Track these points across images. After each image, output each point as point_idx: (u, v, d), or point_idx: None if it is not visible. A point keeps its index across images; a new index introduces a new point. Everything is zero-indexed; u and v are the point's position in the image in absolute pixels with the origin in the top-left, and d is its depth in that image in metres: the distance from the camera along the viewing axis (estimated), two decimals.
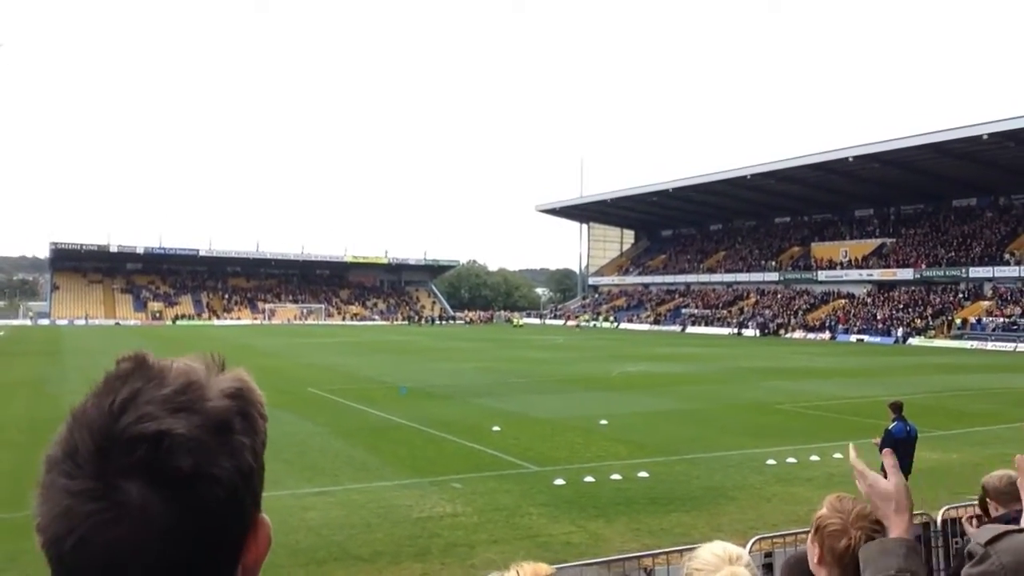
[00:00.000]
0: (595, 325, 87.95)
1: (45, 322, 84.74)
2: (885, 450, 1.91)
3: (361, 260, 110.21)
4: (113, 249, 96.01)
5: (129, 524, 0.74)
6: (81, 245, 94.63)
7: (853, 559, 2.26)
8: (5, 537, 10.06)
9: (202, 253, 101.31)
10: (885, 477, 1.92)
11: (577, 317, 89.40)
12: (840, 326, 68.42)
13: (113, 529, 0.74)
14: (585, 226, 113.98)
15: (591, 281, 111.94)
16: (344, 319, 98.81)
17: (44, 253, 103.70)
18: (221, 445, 0.80)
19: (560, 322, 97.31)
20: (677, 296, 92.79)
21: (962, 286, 66.57)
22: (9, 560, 9.17)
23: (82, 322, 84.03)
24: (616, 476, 13.48)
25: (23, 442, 16.68)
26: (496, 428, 18.26)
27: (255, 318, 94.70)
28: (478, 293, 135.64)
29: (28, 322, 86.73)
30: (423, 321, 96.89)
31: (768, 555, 8.13)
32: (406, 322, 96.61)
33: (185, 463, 0.76)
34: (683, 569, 2.40)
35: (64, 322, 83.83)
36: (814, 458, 15.12)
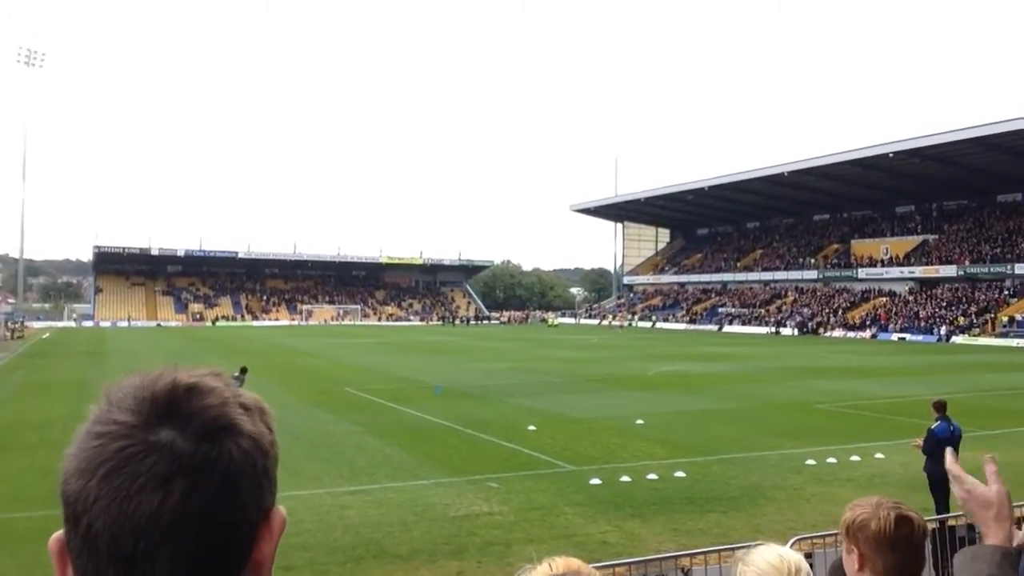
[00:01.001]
0: (631, 325, 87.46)
1: (89, 324, 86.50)
2: (986, 456, 1.87)
3: (396, 261, 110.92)
4: (154, 252, 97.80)
5: (156, 458, 0.79)
6: (123, 248, 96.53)
7: (891, 541, 2.21)
8: (45, 537, 10.29)
9: (241, 255, 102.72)
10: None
11: (620, 316, 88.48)
12: (881, 324, 67.33)
13: (141, 461, 0.78)
14: (620, 225, 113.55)
15: (626, 280, 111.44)
16: (380, 320, 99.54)
17: (87, 256, 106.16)
18: (246, 415, 0.86)
19: (595, 321, 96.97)
20: (713, 295, 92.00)
21: (1007, 283, 65.08)
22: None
23: (125, 324, 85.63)
24: (653, 476, 13.40)
25: (68, 442, 17.03)
26: (532, 427, 18.26)
27: (293, 319, 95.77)
28: (513, 293, 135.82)
29: (72, 324, 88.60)
30: (457, 321, 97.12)
31: (808, 556, 8.02)
32: (440, 322, 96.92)
33: (213, 408, 0.83)
34: (735, 573, 2.33)
35: (107, 324, 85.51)
36: (855, 458, 14.89)
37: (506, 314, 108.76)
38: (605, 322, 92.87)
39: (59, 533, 0.84)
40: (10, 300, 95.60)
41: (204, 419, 0.82)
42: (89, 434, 0.82)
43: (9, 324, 68.05)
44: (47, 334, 68.33)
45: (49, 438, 17.39)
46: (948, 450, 1.97)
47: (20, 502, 11.87)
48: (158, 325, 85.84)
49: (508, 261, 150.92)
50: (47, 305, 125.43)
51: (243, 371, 20.15)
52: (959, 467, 1.85)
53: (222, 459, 0.81)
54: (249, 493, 0.83)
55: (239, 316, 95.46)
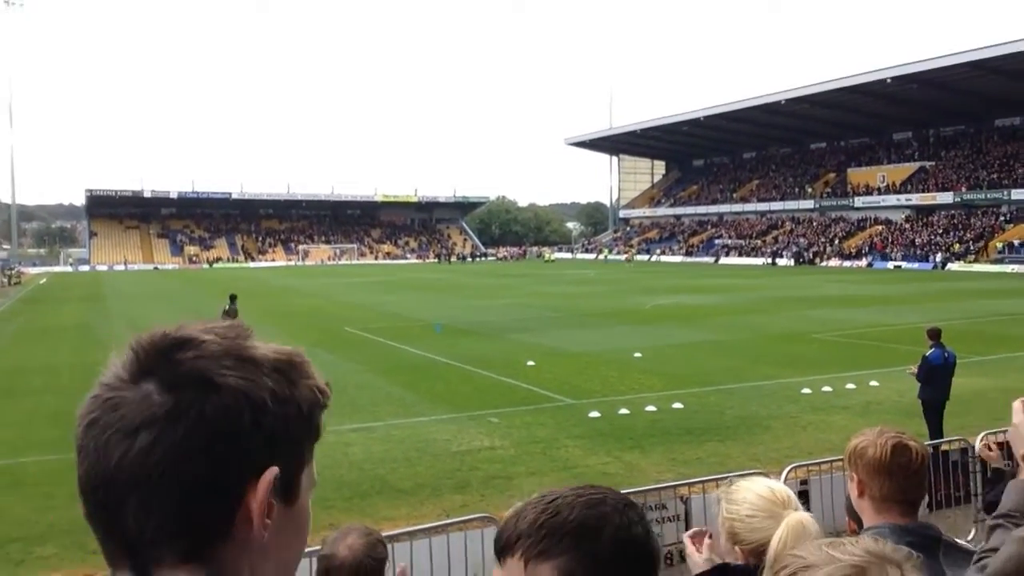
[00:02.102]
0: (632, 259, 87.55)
1: (85, 268, 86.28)
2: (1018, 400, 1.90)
3: (391, 199, 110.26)
4: (147, 194, 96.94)
5: (127, 409, 0.80)
6: (116, 191, 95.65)
7: (888, 468, 2.26)
8: (62, 477, 10.47)
9: (235, 196, 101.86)
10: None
11: (629, 251, 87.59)
12: (877, 253, 67.45)
13: (113, 412, 0.80)
14: (615, 158, 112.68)
15: (622, 214, 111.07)
16: (376, 258, 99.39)
17: (80, 200, 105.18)
18: (235, 366, 0.83)
19: (592, 256, 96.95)
20: (710, 227, 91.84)
21: (1003, 209, 64.99)
22: (69, 498, 9.52)
23: (121, 267, 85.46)
24: (651, 408, 13.60)
25: (74, 386, 17.18)
26: (531, 363, 18.44)
27: (289, 259, 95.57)
28: (509, 229, 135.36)
29: (69, 268, 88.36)
30: (453, 258, 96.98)
31: (804, 483, 8.21)
32: (436, 260, 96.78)
33: (188, 362, 0.82)
34: (720, 508, 2.28)
35: (104, 268, 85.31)
36: (850, 386, 15.10)
37: (503, 250, 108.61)
38: (602, 256, 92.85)
39: None
40: (4, 246, 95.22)
41: (180, 372, 0.81)
42: (97, 383, 0.85)
43: (5, 271, 67.94)
44: (44, 279, 68.29)
45: (54, 383, 17.53)
46: (1016, 402, 2.03)
47: (30, 446, 12.04)
48: (155, 268, 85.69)
49: (503, 197, 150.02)
50: (42, 250, 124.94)
51: (232, 299, 20.24)
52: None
53: (189, 413, 0.79)
54: (226, 449, 0.80)
55: (235, 257, 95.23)
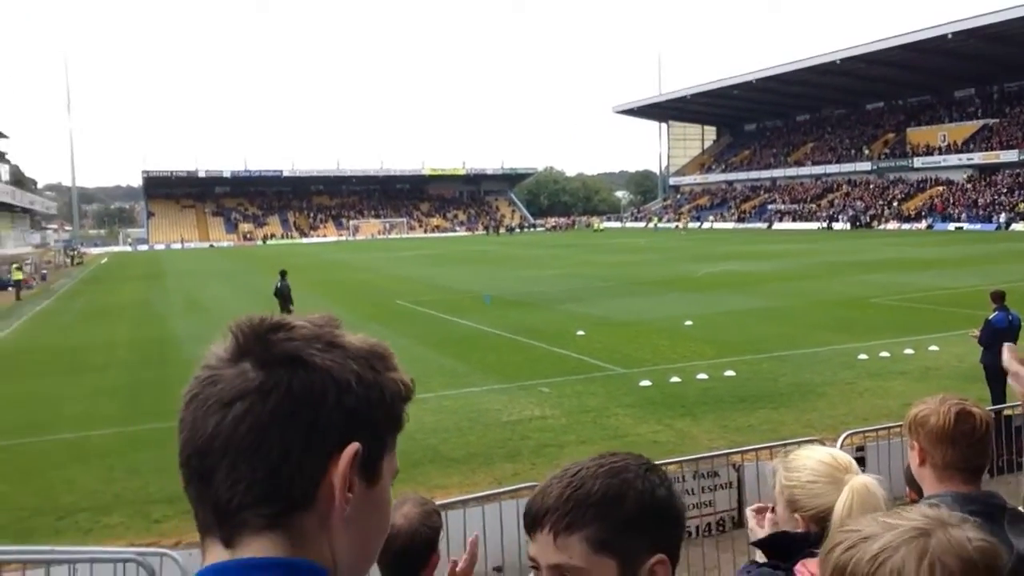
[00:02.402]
0: (684, 227, 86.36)
1: (144, 248, 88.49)
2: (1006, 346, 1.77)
3: (439, 172, 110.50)
4: (201, 174, 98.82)
5: (224, 384, 0.86)
6: (171, 172, 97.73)
7: (951, 436, 2.18)
8: (125, 449, 10.82)
9: (286, 173, 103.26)
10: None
11: (683, 217, 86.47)
12: (938, 215, 65.50)
13: (212, 387, 0.87)
14: (664, 125, 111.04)
15: (672, 181, 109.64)
16: (425, 231, 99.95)
17: (137, 182, 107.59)
18: (325, 349, 0.89)
19: (642, 224, 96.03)
20: (763, 192, 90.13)
21: None
22: (131, 470, 9.86)
23: (178, 246, 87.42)
24: (702, 376, 13.46)
25: (133, 361, 17.72)
26: (581, 332, 18.38)
27: (340, 234, 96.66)
28: (557, 199, 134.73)
29: (128, 248, 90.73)
30: (502, 230, 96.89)
31: (860, 449, 8.05)
32: (484, 232, 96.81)
33: (282, 342, 0.88)
34: (779, 477, 2.22)
35: (161, 247, 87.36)
36: (908, 351, 14.74)
37: (551, 221, 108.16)
38: (651, 224, 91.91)
39: None
40: (67, 228, 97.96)
41: (274, 351, 0.87)
42: (200, 363, 0.90)
43: (68, 251, 70.05)
44: (105, 259, 70.23)
45: (115, 359, 18.09)
46: (1006, 346, 1.90)
47: (95, 420, 12.45)
48: (211, 246, 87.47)
49: (551, 167, 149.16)
50: (102, 231, 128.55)
51: (283, 275, 20.64)
52: (1017, 363, 1.77)
53: (279, 387, 0.85)
54: (309, 423, 0.85)
55: (287, 234, 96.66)
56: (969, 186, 68.00)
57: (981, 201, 64.17)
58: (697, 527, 7.49)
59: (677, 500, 1.18)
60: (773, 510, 2.37)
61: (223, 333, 0.92)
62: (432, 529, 2.76)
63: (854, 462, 2.19)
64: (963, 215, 63.35)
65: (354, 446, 0.86)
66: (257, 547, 0.84)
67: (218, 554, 0.86)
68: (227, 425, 0.84)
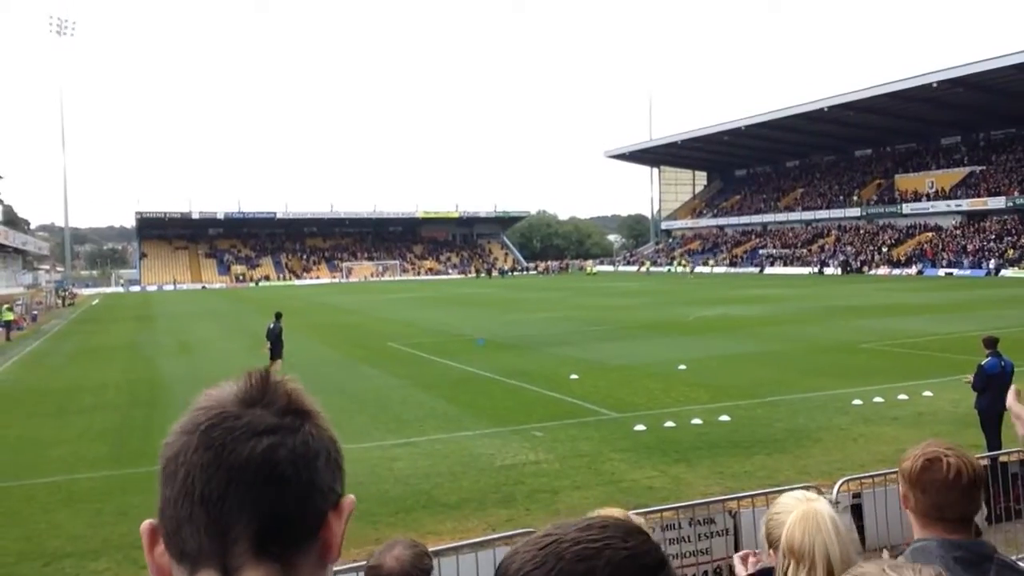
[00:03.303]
0: (688, 271, 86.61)
1: (136, 289, 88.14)
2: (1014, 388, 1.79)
3: (432, 215, 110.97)
4: (195, 216, 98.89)
5: (250, 418, 0.91)
6: (165, 213, 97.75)
7: (920, 483, 2.20)
8: (113, 492, 10.66)
9: (279, 215, 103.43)
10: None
11: (687, 264, 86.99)
12: (928, 260, 65.98)
13: (237, 420, 0.90)
14: (656, 170, 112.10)
15: (664, 225, 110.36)
16: (419, 274, 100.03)
17: (131, 223, 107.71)
18: (321, 415, 0.98)
19: (634, 268, 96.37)
20: (754, 237, 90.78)
21: None
22: (119, 514, 9.71)
23: (171, 287, 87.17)
24: (697, 421, 13.41)
25: (122, 403, 17.55)
26: (574, 376, 18.33)
27: (333, 276, 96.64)
28: (550, 243, 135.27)
29: (120, 289, 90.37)
30: (494, 273, 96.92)
31: (856, 496, 8.00)
32: (475, 275, 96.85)
33: (293, 395, 0.95)
34: (764, 518, 2.37)
35: (153, 288, 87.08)
36: (902, 397, 14.74)
37: (542, 264, 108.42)
38: (644, 268, 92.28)
39: (149, 520, 0.94)
40: (59, 268, 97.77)
41: (288, 401, 0.94)
42: (193, 409, 0.93)
43: (60, 292, 69.75)
44: (96, 300, 69.93)
45: (104, 401, 17.91)
46: (1012, 388, 1.92)
47: (82, 463, 12.29)
48: (203, 287, 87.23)
49: (544, 211, 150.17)
50: (94, 272, 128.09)
51: (278, 317, 20.62)
52: (1021, 405, 1.78)
53: (303, 430, 0.92)
54: (324, 469, 0.92)
55: (281, 276, 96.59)
56: (958, 232, 68.65)
57: (970, 247, 64.75)
58: (694, 575, 7.39)
59: None
60: (755, 554, 2.56)
61: (218, 387, 0.96)
62: (423, 571, 2.75)
63: (823, 500, 2.27)
64: (952, 261, 63.83)
65: (352, 498, 0.95)
66: None
67: None
68: (261, 452, 0.88)
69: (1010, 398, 1.85)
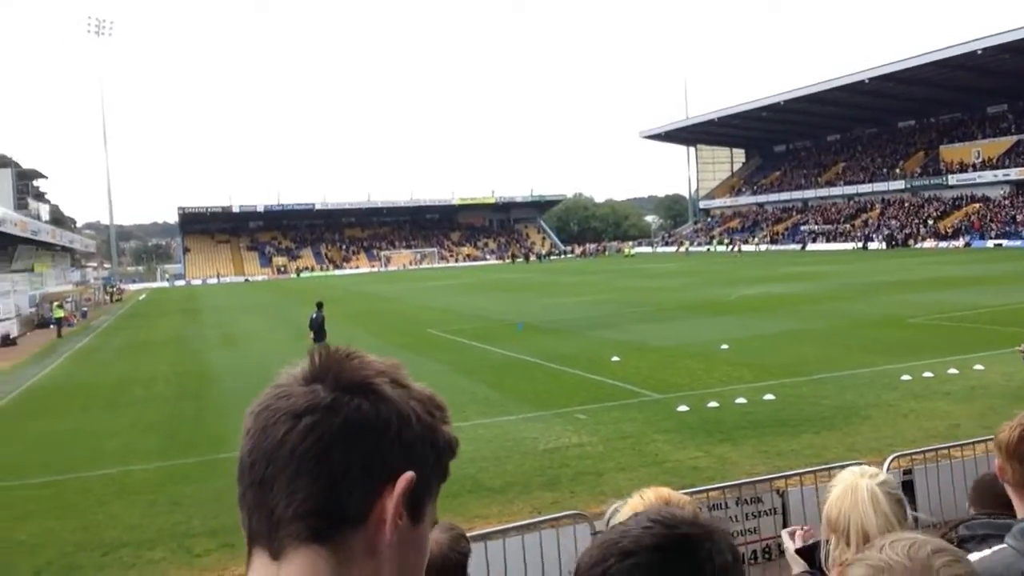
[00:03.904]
0: (737, 249, 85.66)
1: (181, 283, 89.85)
2: None
3: (469, 201, 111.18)
4: (236, 209, 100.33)
5: (295, 399, 0.91)
6: (206, 208, 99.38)
7: (1018, 453, 2.16)
8: (165, 483, 10.89)
9: (318, 206, 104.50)
10: None
11: (735, 242, 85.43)
12: (975, 232, 64.41)
13: (283, 401, 0.92)
14: (692, 149, 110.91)
15: (702, 204, 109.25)
16: (457, 260, 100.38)
17: (173, 218, 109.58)
18: (393, 385, 0.95)
19: (672, 249, 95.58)
20: (795, 213, 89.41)
21: None
22: (172, 504, 9.92)
23: (214, 280, 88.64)
24: (741, 400, 13.27)
25: (171, 395, 17.91)
26: (615, 358, 18.26)
27: (372, 265, 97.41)
28: (587, 225, 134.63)
29: (166, 284, 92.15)
30: (531, 257, 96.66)
31: (907, 472, 7.85)
32: (510, 260, 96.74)
33: (355, 371, 0.94)
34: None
35: (198, 282, 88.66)
36: (952, 371, 14.42)
37: (580, 247, 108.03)
38: (683, 248, 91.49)
39: None
40: (106, 265, 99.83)
41: (346, 377, 0.93)
42: (270, 386, 0.95)
43: (108, 288, 71.32)
44: (143, 295, 71.37)
45: (154, 393, 18.29)
46: None
47: (134, 454, 12.57)
48: (246, 280, 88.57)
49: (580, 194, 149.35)
50: (140, 267, 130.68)
51: (319, 306, 20.91)
52: None
53: (349, 408, 0.90)
54: (372, 446, 0.90)
55: (321, 266, 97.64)
56: (1007, 202, 66.88)
57: (1020, 217, 63.05)
58: (743, 555, 7.33)
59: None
60: (803, 527, 2.65)
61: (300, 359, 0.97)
62: (461, 554, 2.76)
63: (883, 473, 2.25)
64: (1001, 232, 62.22)
65: (410, 474, 0.90)
66: (303, 560, 0.87)
67: (264, 565, 0.89)
68: (296, 435, 0.88)
69: None
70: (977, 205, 69.29)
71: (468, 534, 3.03)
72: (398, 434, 0.91)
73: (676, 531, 1.04)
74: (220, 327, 33.53)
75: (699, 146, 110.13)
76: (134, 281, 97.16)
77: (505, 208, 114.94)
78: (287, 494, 0.88)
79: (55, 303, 40.73)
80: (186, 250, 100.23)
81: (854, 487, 2.12)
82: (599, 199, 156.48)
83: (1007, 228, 62.65)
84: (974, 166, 72.72)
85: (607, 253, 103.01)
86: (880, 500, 2.09)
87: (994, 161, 71.08)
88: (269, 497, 0.89)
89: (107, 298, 66.43)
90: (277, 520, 0.88)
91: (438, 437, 0.96)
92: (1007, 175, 68.62)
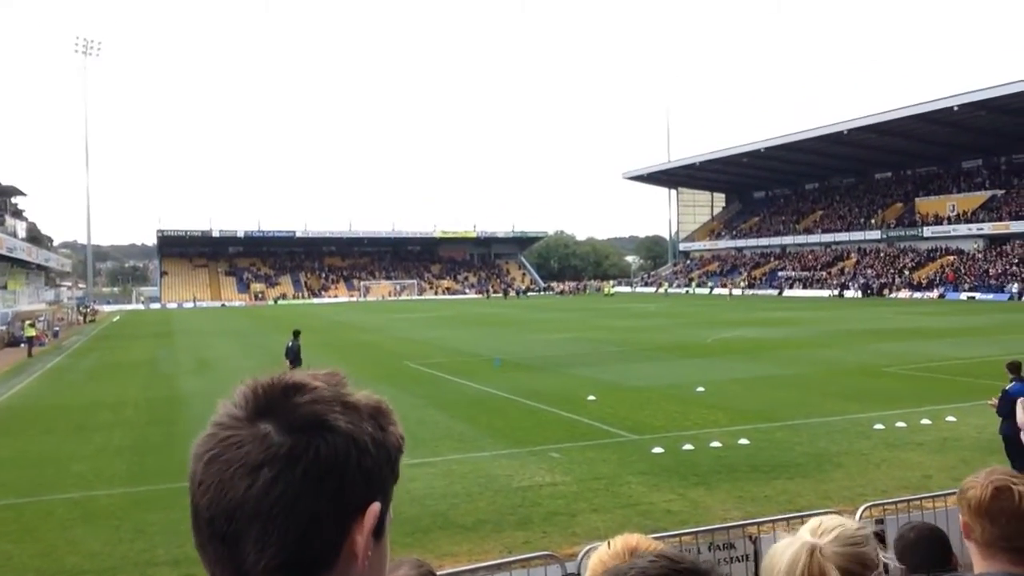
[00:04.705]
0: (719, 291, 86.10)
1: (156, 306, 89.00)
2: None
3: (451, 235, 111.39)
4: (215, 234, 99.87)
5: (249, 447, 0.87)
6: (186, 231, 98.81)
7: (988, 512, 2.14)
8: (130, 510, 10.68)
9: (299, 234, 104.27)
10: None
11: (730, 284, 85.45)
12: (949, 284, 65.34)
13: (236, 450, 0.88)
14: (674, 191, 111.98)
15: (682, 247, 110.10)
16: (436, 293, 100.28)
17: (152, 240, 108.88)
18: (343, 411, 0.92)
19: (652, 289, 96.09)
20: (772, 259, 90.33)
21: None
22: (137, 531, 9.71)
23: (190, 304, 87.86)
24: (716, 444, 13.28)
25: (141, 420, 17.63)
26: (592, 397, 18.23)
27: (351, 295, 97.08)
28: (567, 263, 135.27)
29: (141, 306, 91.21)
30: (510, 293, 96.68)
31: (879, 522, 7.86)
32: (485, 295, 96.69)
33: (305, 406, 0.90)
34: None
35: (173, 305, 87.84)
36: (925, 422, 14.53)
37: (560, 285, 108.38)
38: (662, 290, 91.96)
39: None
40: (81, 285, 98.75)
41: (298, 414, 0.89)
42: (211, 423, 0.92)
43: (81, 308, 70.45)
44: (117, 317, 70.55)
45: (123, 418, 18.00)
46: (1020, 401, 1.83)
47: (100, 480, 12.33)
48: (222, 305, 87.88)
49: (562, 231, 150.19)
50: (116, 289, 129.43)
51: (296, 335, 20.79)
52: None
53: (308, 453, 0.87)
54: (336, 487, 0.88)
55: (299, 294, 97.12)
56: (980, 256, 68.00)
57: (992, 271, 64.08)
58: None
59: None
60: None
61: (236, 391, 0.94)
62: None
63: (838, 526, 1.93)
64: (974, 285, 63.15)
65: (376, 507, 0.91)
66: None
67: None
68: (258, 490, 0.85)
69: (1020, 414, 1.76)
70: (951, 257, 70.38)
71: (438, 572, 3.00)
72: (358, 466, 0.90)
73: (680, 565, 1.08)
74: (194, 351, 33.17)
75: (680, 189, 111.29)
76: (108, 302, 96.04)
77: (486, 243, 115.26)
78: (256, 550, 0.86)
79: (27, 321, 40.16)
80: (163, 273, 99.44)
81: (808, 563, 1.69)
82: (580, 237, 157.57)
83: (980, 281, 63.60)
84: (949, 219, 73.99)
85: (587, 291, 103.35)
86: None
87: (968, 215, 72.38)
88: (234, 552, 0.87)
89: (80, 318, 65.59)
90: (247, 573, 0.86)
91: (391, 450, 0.95)
92: (981, 229, 69.84)
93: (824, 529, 1.83)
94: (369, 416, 0.94)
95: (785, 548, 1.80)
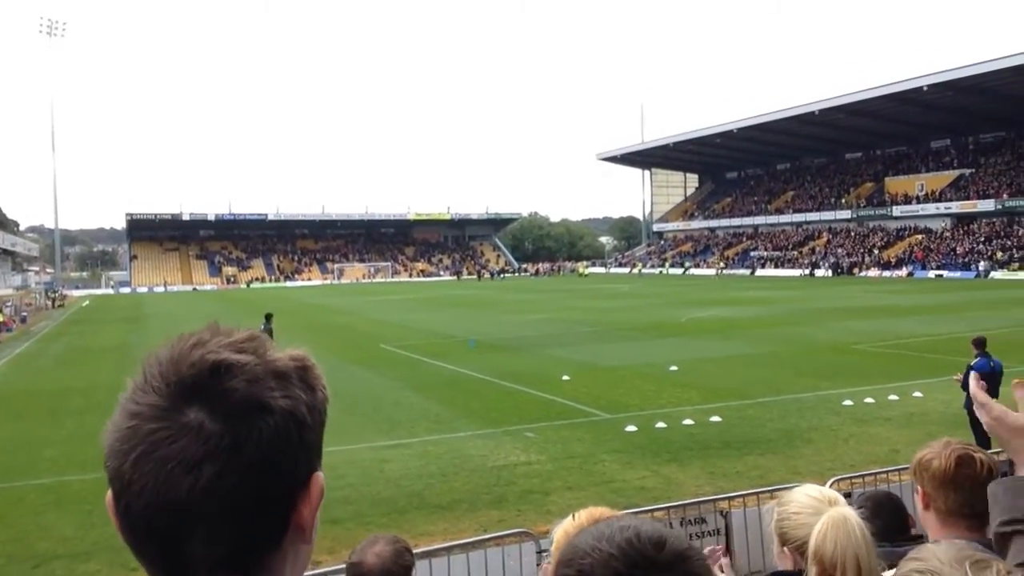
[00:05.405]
0: (719, 272, 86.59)
1: (126, 290, 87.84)
2: (1015, 382, 1.65)
3: (424, 217, 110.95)
4: (186, 217, 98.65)
5: (185, 442, 0.80)
6: (155, 215, 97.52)
7: (953, 480, 2.19)
8: (103, 494, 10.57)
9: (271, 217, 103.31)
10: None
11: (716, 264, 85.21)
12: (917, 262, 66.30)
13: (170, 446, 0.80)
14: (647, 172, 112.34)
15: (656, 228, 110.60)
16: (411, 276, 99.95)
17: (121, 224, 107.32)
18: (278, 386, 0.85)
19: (626, 270, 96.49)
20: (745, 239, 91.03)
21: None
22: (104, 519, 9.65)
23: (161, 289, 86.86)
24: (688, 421, 13.44)
25: (113, 405, 17.37)
26: (566, 377, 18.35)
27: (325, 278, 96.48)
28: (542, 244, 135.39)
29: (110, 291, 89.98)
30: (485, 275, 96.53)
31: (847, 495, 8.02)
32: (455, 277, 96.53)
33: (240, 389, 0.82)
34: (773, 513, 2.29)
35: (144, 289, 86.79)
36: (893, 397, 14.80)
37: (534, 266, 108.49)
38: (635, 270, 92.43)
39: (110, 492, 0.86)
40: (48, 270, 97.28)
41: (233, 400, 0.82)
42: (124, 412, 0.84)
43: (50, 293, 69.44)
44: (87, 302, 69.62)
45: (95, 402, 17.81)
46: (972, 374, 1.85)
47: (72, 465, 12.22)
48: (194, 289, 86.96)
49: (536, 213, 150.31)
50: (85, 274, 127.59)
51: (268, 318, 20.61)
52: (985, 393, 1.69)
53: (251, 440, 0.81)
54: (283, 467, 0.83)
55: (272, 277, 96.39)
56: (948, 234, 68.99)
57: (960, 249, 65.07)
58: None
59: None
60: (727, 552, 2.47)
61: (145, 370, 0.86)
62: (404, 567, 2.76)
63: (841, 497, 2.20)
64: (942, 263, 64.12)
65: (320, 476, 0.88)
66: None
67: None
68: (202, 488, 0.79)
69: (972, 385, 1.79)
70: (920, 236, 71.36)
71: (413, 551, 3.03)
72: (300, 441, 0.85)
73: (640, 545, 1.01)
74: (165, 335, 32.53)
75: (654, 170, 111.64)
76: (77, 287, 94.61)
77: (460, 225, 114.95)
78: (204, 547, 0.81)
79: None
80: (133, 257, 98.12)
81: (844, 520, 1.98)
82: (555, 219, 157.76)
83: (947, 260, 64.59)
84: (917, 198, 74.94)
85: (561, 272, 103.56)
86: (867, 533, 1.98)
87: (936, 194, 73.34)
88: (179, 549, 0.81)
89: (49, 304, 64.65)
90: (195, 568, 0.81)
91: (323, 409, 0.90)
92: (948, 208, 70.84)
93: (841, 501, 2.11)
94: (299, 380, 0.88)
95: (807, 509, 2.10)
